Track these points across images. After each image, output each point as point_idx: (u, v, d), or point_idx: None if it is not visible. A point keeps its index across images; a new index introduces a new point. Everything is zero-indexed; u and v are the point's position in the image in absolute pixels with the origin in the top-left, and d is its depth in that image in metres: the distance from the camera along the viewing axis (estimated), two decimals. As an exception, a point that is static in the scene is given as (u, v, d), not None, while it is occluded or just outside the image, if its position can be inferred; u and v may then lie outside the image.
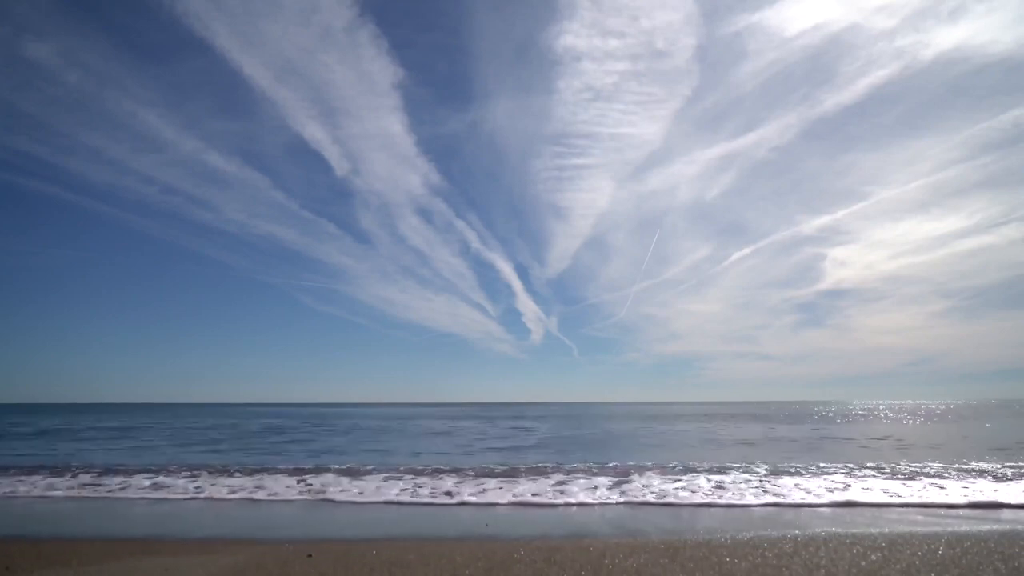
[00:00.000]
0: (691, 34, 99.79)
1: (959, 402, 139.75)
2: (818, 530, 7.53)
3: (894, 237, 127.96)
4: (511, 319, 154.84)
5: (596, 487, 11.46)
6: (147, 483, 12.47)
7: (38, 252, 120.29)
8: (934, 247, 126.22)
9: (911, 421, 42.68)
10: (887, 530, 7.56)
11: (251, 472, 14.20)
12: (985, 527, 7.78)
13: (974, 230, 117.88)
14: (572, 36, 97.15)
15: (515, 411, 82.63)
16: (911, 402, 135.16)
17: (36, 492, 11.56)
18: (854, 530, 7.55)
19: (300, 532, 8.03)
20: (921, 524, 8.08)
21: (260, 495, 11.06)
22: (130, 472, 14.29)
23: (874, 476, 12.94)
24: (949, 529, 7.63)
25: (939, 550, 6.40)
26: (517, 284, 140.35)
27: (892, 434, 27.99)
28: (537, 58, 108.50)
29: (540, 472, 13.83)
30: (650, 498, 10.37)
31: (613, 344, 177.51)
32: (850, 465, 14.98)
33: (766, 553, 6.30)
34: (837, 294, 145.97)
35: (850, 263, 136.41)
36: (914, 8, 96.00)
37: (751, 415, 57.90)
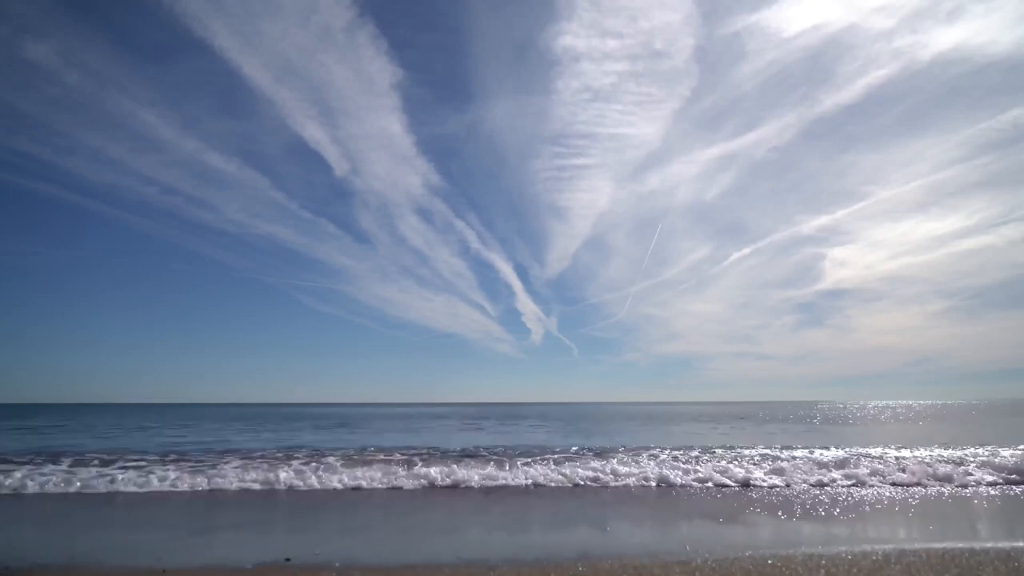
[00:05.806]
0: (690, 34, 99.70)
1: (963, 401, 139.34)
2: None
3: (894, 237, 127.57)
4: (511, 319, 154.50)
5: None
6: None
7: (38, 252, 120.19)
8: (934, 247, 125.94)
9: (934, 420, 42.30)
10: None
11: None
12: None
13: (974, 230, 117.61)
14: (571, 36, 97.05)
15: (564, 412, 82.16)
16: (921, 402, 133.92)
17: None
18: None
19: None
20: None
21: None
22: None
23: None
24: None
25: (940, 550, 6.39)
26: (517, 284, 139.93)
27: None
28: (536, 58, 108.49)
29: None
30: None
31: (613, 344, 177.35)
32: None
33: (767, 553, 6.30)
34: (837, 294, 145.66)
35: (850, 263, 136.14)
36: (912, 9, 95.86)
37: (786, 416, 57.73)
